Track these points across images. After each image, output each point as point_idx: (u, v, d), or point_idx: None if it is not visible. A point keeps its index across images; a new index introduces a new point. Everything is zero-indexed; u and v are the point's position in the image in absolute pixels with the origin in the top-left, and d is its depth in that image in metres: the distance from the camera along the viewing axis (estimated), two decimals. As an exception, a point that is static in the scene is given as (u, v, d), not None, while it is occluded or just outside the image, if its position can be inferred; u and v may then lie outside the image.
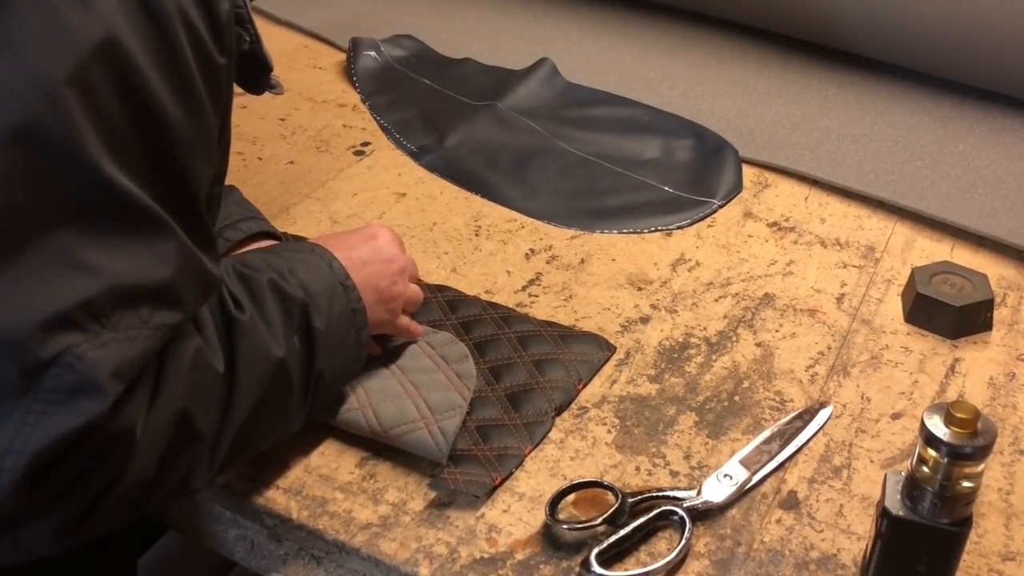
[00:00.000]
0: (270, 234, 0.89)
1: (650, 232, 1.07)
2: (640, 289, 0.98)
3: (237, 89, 0.81)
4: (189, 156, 0.61)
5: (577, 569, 0.71)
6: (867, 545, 0.70)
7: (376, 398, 0.80)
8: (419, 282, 0.94)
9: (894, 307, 0.97)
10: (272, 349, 0.69)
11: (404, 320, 0.84)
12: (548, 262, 1.01)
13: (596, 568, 0.70)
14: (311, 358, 0.72)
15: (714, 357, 0.90)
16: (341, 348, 0.75)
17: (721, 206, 1.11)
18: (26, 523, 0.57)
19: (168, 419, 0.61)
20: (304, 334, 0.72)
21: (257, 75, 0.80)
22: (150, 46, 0.57)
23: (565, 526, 0.73)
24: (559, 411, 0.84)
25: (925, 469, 0.63)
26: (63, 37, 0.54)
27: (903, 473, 0.66)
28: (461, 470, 0.76)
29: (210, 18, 0.62)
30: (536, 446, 0.81)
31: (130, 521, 0.64)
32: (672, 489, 0.77)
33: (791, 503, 0.77)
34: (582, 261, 1.02)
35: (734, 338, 0.93)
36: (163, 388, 0.60)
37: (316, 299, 0.73)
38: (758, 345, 0.92)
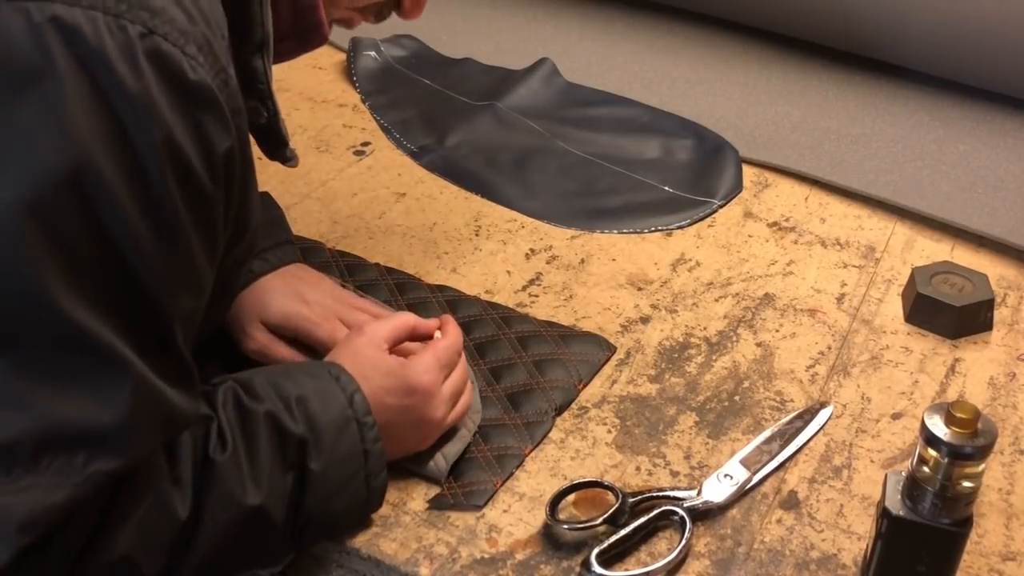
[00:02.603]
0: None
1: (650, 232, 1.07)
2: (640, 289, 0.98)
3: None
4: (162, 286, 0.58)
5: (577, 569, 0.71)
6: (867, 545, 0.70)
7: None
8: (418, 280, 0.94)
9: (894, 307, 0.97)
10: (247, 496, 0.64)
11: (449, 419, 0.77)
12: (548, 262, 1.01)
13: (596, 568, 0.70)
14: (301, 499, 0.68)
15: (714, 357, 0.90)
16: (341, 490, 0.70)
17: (721, 206, 1.11)
18: None
19: (107, 565, 0.58)
20: (298, 474, 0.67)
21: (272, 146, 0.78)
22: (127, 177, 0.55)
23: (565, 526, 0.73)
24: (559, 411, 0.84)
25: (925, 469, 0.63)
26: (31, 165, 0.52)
27: (903, 473, 0.66)
28: (461, 482, 0.76)
29: (204, 150, 0.59)
30: (536, 446, 0.81)
31: None
32: (672, 489, 0.77)
33: (791, 503, 0.77)
34: (582, 261, 1.02)
35: (734, 338, 0.93)
36: (107, 533, 0.58)
37: (320, 436, 0.68)
38: (758, 345, 0.92)
